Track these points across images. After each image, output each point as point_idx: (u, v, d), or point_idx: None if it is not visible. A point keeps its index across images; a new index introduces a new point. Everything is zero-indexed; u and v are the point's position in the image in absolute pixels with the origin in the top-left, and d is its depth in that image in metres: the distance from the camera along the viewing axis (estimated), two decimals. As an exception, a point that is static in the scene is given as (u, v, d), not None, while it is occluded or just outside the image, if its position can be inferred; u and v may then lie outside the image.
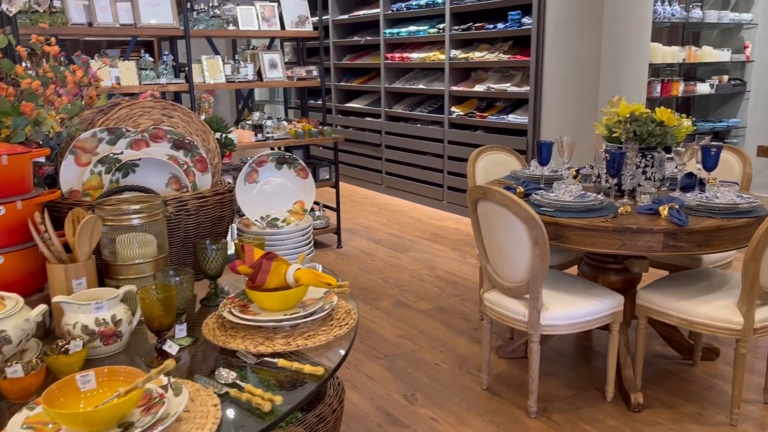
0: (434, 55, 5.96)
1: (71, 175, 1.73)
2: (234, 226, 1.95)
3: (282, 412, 1.18)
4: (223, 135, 2.05)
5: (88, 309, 1.35)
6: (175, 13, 4.04)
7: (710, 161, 2.58)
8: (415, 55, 6.20)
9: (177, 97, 5.00)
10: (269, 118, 4.67)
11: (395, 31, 6.41)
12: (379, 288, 4.04)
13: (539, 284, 2.36)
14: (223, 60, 4.36)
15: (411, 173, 6.38)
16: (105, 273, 1.57)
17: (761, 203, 2.49)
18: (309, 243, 1.95)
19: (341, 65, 7.34)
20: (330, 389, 1.92)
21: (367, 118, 6.97)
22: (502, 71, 5.60)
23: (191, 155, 1.83)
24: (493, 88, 5.41)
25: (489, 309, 2.62)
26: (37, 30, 3.42)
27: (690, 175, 2.73)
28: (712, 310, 2.37)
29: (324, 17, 6.92)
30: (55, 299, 1.37)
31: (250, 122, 4.65)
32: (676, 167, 2.75)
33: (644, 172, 2.68)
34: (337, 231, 4.95)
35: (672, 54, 5.31)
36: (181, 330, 1.45)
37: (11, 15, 2.05)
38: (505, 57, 5.30)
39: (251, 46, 4.88)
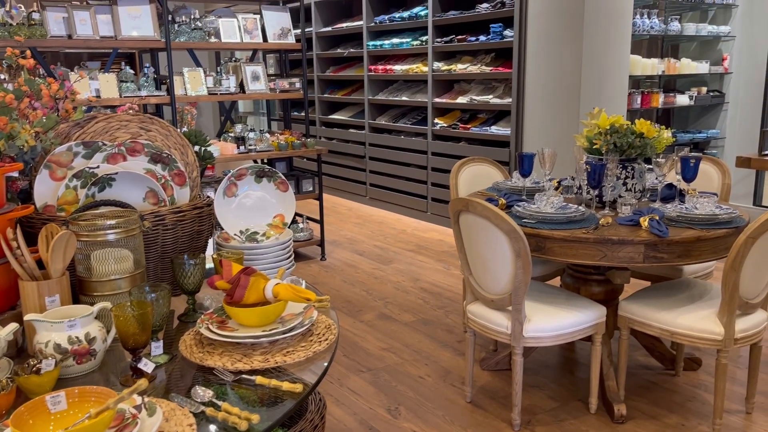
0: (417, 67, 5.98)
1: (46, 190, 1.70)
2: (212, 240, 1.93)
3: (259, 430, 1.15)
4: (202, 148, 2.03)
5: (61, 327, 1.32)
6: (156, 25, 4.02)
7: (689, 172, 2.60)
8: (399, 67, 6.22)
9: (158, 109, 4.97)
10: (252, 130, 4.65)
11: (378, 43, 6.43)
12: (362, 300, 4.02)
13: (522, 296, 2.36)
14: (205, 72, 4.34)
15: (395, 185, 6.38)
16: (79, 289, 1.54)
17: (740, 214, 2.51)
18: (289, 257, 1.93)
19: (325, 77, 7.35)
20: (311, 404, 1.90)
21: (351, 130, 6.98)
22: (485, 83, 5.64)
23: (169, 169, 1.81)
24: (475, 99, 5.44)
25: (472, 321, 2.61)
26: (14, 43, 3.38)
27: (670, 186, 2.75)
28: (693, 321, 2.38)
29: (307, 29, 6.93)
30: (27, 317, 1.33)
31: (232, 134, 4.63)
32: (657, 178, 2.78)
33: (625, 184, 2.69)
34: (321, 243, 4.93)
35: (651, 66, 5.37)
36: (157, 347, 1.43)
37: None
38: (487, 69, 5.33)
39: (234, 59, 4.87)
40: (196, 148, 2.03)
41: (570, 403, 2.73)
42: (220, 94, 4.38)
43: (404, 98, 6.24)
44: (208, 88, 4.31)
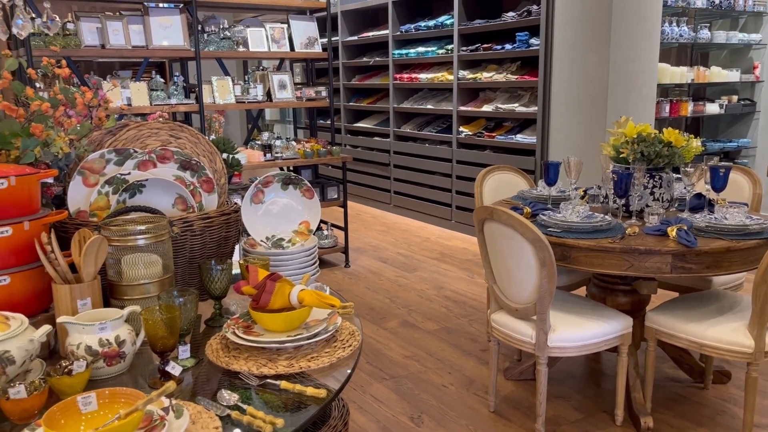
0: (442, 76, 5.99)
1: (79, 196, 1.75)
2: (239, 246, 1.96)
3: (283, 435, 1.17)
4: (230, 156, 2.07)
5: (92, 330, 1.35)
6: (186, 34, 4.10)
7: (719, 182, 2.57)
8: (424, 76, 6.24)
9: (187, 117, 5.05)
10: (278, 138, 4.70)
11: (404, 51, 6.46)
12: (386, 308, 4.03)
13: (546, 305, 2.35)
14: (233, 81, 4.41)
15: (419, 193, 6.38)
16: (110, 293, 1.58)
17: (771, 224, 2.46)
18: (314, 263, 1.95)
19: (350, 85, 7.40)
20: (334, 411, 1.91)
21: (376, 138, 7.01)
22: (510, 91, 5.62)
23: (198, 176, 1.85)
24: (501, 108, 5.42)
25: (496, 330, 2.60)
26: (49, 52, 3.48)
27: (699, 195, 2.71)
28: (723, 333, 2.34)
29: (333, 38, 6.99)
30: (59, 320, 1.37)
31: (259, 142, 4.68)
32: (685, 188, 2.74)
33: (652, 193, 2.66)
34: (345, 250, 4.95)
35: (681, 74, 5.31)
36: (184, 351, 1.45)
37: (21, 38, 2.09)
38: (513, 77, 5.32)
39: (261, 67, 4.93)
40: (224, 155, 2.06)
41: (595, 415, 2.69)
42: (248, 102, 4.44)
43: (429, 106, 6.25)
44: (236, 96, 4.37)
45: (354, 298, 4.22)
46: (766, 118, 5.80)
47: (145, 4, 4.08)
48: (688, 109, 5.44)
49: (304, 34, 4.70)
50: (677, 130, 2.70)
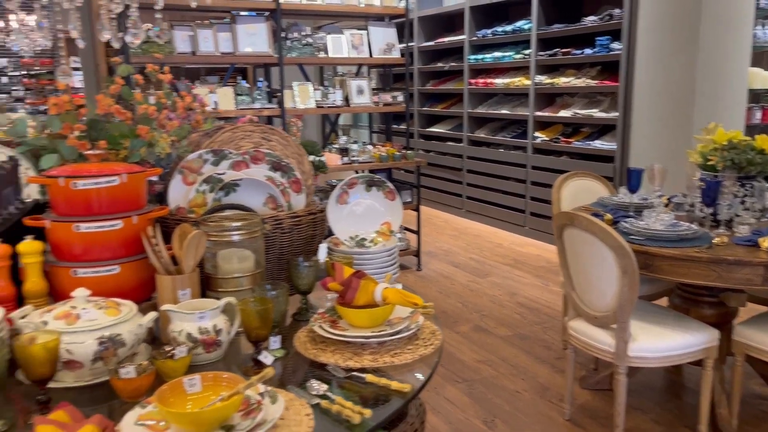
0: (519, 80, 5.94)
1: (178, 193, 1.86)
2: (323, 244, 2.03)
3: (370, 425, 1.21)
4: (316, 158, 2.15)
5: (193, 318, 1.45)
6: (271, 41, 4.26)
7: (816, 192, 2.44)
8: (500, 81, 6.21)
9: (269, 121, 5.24)
10: (355, 142, 4.80)
11: (480, 56, 6.45)
12: (458, 312, 4.04)
13: (627, 314, 2.30)
14: (313, 86, 4.54)
15: (492, 198, 6.35)
16: (206, 285, 1.67)
17: None
18: (394, 263, 2.00)
19: (424, 90, 7.44)
20: (412, 409, 1.94)
21: (449, 143, 7.02)
22: (589, 96, 5.51)
23: (287, 176, 1.93)
24: (579, 113, 5.33)
25: (573, 338, 2.57)
26: (148, 59, 3.70)
27: (793, 206, 2.59)
28: (818, 350, 2.23)
29: (410, 44, 7.06)
30: (163, 307, 1.47)
31: (336, 146, 4.80)
32: (778, 197, 2.62)
33: (743, 202, 2.56)
34: (417, 253, 4.99)
35: (773, 79, 5.05)
36: (275, 342, 1.53)
37: (133, 47, 2.25)
38: (592, 82, 5.22)
39: (340, 73, 5.05)
40: (311, 157, 2.14)
41: (677, 429, 2.61)
42: (327, 107, 4.56)
43: (504, 111, 6.21)
44: (316, 101, 4.50)
45: (426, 301, 4.25)
46: None
47: (233, 12, 4.26)
48: (782, 115, 5.17)
49: (383, 40, 4.78)
50: (771, 137, 2.59)
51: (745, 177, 2.56)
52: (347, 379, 1.41)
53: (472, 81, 6.58)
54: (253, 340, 1.44)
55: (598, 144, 5.15)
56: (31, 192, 1.81)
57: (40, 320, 1.35)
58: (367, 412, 1.22)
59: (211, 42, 4.05)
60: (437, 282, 4.66)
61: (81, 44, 2.03)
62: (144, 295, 1.66)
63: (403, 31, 4.92)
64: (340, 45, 4.63)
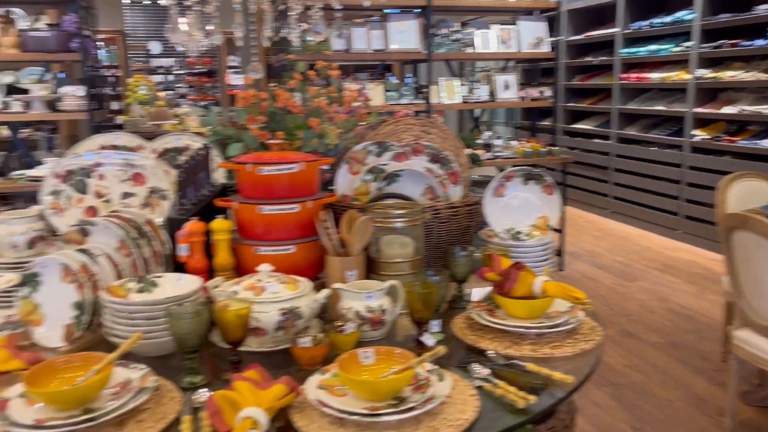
0: (677, 75, 5.59)
1: (344, 182, 1.99)
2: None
3: (534, 411, 1.24)
4: (472, 152, 2.19)
5: (361, 297, 1.55)
6: (420, 38, 4.36)
7: None
8: (655, 75, 5.87)
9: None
10: (498, 137, 4.78)
11: (633, 50, 6.14)
12: (604, 315, 3.90)
13: (805, 327, 2.12)
14: (460, 81, 4.58)
15: (641, 199, 6.03)
16: (370, 268, 1.78)
17: None
18: (549, 258, 1.99)
19: (570, 86, 7.22)
20: (563, 407, 1.93)
21: (595, 140, 6.75)
22: (758, 92, 5.06)
23: (446, 168, 1.99)
24: (746, 110, 4.91)
25: (739, 348, 2.40)
26: (306, 56, 3.93)
27: None
28: None
29: (558, 38, 6.89)
30: (335, 285, 1.59)
31: (480, 141, 4.80)
32: None
33: None
34: (560, 253, 4.87)
35: None
36: (435, 325, 1.59)
37: (294, 43, 2.41)
38: (763, 76, 4.78)
39: (487, 68, 5.05)
40: (467, 151, 2.19)
41: None
42: (473, 102, 4.58)
43: (660, 108, 5.87)
44: (462, 96, 4.53)
45: (569, 301, 4.15)
46: None
47: (385, 11, 4.41)
48: None
49: (533, 34, 4.71)
50: None
51: None
52: (506, 367, 1.43)
53: (623, 76, 6.28)
54: (416, 322, 1.51)
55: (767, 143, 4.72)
56: (217, 176, 2.01)
57: (231, 290, 1.51)
58: (532, 398, 1.24)
59: (365, 39, 4.22)
60: (580, 283, 4.53)
61: (239, 43, 2.17)
62: (313, 274, 1.79)
63: (554, 24, 4.81)
64: (487, 40, 4.62)
